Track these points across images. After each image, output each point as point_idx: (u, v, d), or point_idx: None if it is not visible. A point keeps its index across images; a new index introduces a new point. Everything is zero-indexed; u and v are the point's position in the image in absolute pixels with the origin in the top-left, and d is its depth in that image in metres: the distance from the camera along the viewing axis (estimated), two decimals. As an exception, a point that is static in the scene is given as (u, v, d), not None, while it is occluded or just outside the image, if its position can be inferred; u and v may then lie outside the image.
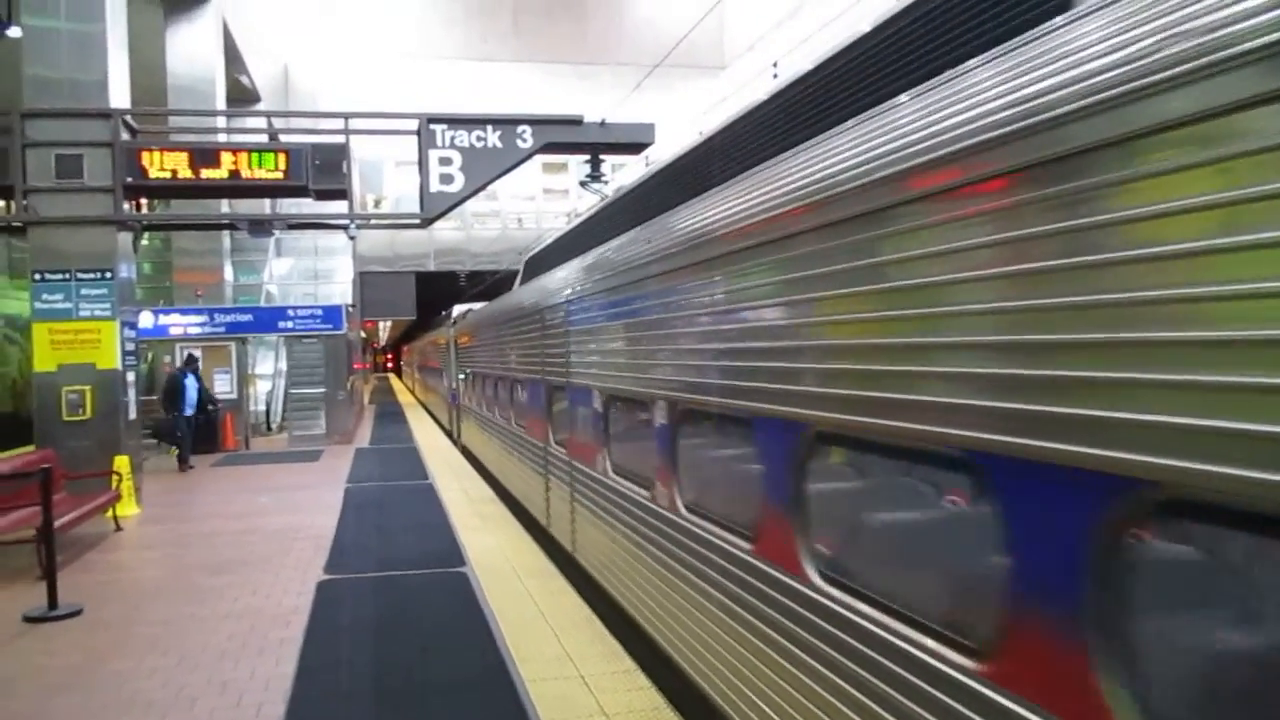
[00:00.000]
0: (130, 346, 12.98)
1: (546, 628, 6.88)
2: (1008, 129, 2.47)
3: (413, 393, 47.42)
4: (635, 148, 14.03)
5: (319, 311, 22.17)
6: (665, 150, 9.08)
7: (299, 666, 6.22)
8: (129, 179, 12.34)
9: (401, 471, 16.31)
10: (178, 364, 19.46)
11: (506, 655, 6.29)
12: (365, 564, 9.19)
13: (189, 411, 18.18)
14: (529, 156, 13.37)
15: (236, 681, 6.00)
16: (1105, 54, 2.17)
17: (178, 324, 21.03)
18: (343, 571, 8.94)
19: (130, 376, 12.88)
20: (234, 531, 11.14)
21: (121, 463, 12.16)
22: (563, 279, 8.74)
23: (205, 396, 19.31)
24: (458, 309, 22.86)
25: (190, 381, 18.34)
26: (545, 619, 7.10)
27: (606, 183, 14.70)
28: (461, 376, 19.10)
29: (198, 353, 20.04)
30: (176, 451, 17.88)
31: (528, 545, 9.83)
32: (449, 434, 22.94)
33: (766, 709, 4.04)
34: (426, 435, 23.55)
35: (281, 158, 12.74)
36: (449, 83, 34.15)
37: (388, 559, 9.35)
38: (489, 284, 29.66)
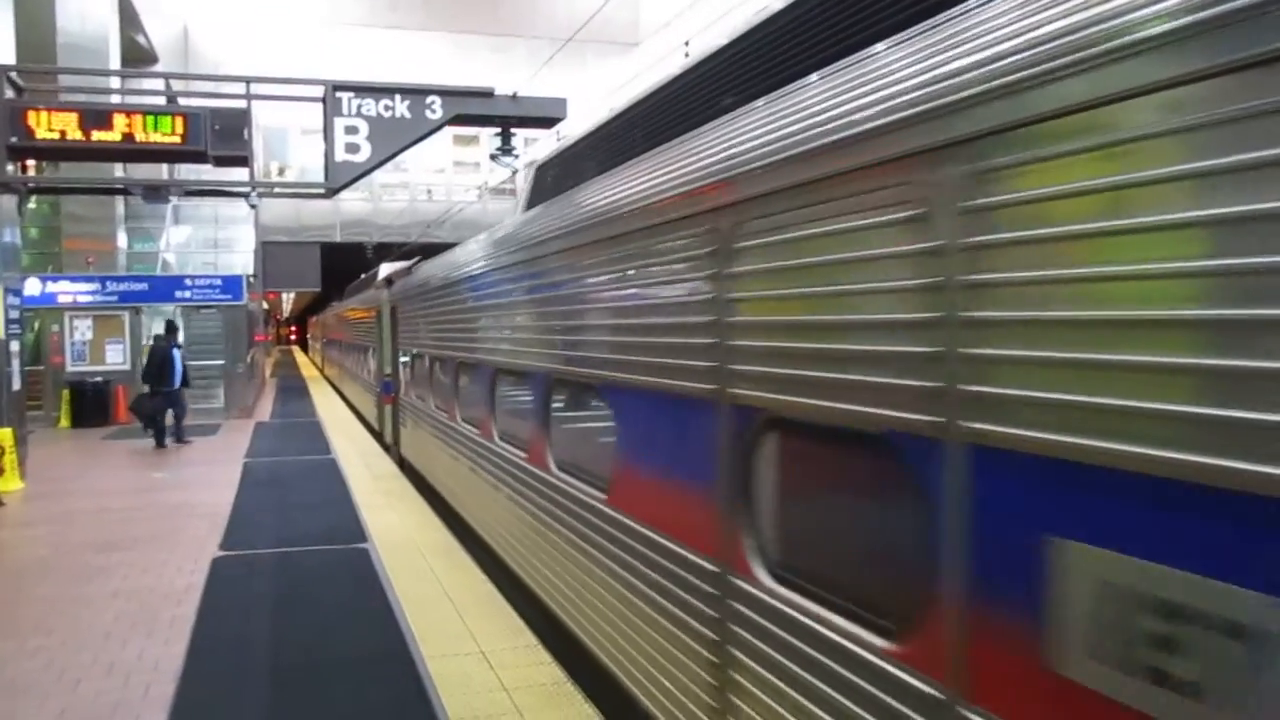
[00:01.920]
0: (14, 315, 12.41)
1: (449, 605, 6.83)
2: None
3: (322, 372, 41.48)
4: (547, 122, 13.93)
5: (218, 281, 21.54)
6: (577, 125, 8.96)
7: (190, 646, 6.06)
8: (13, 139, 11.77)
9: (303, 447, 15.97)
10: (154, 333, 18.07)
11: (407, 632, 6.23)
12: (263, 540, 9.00)
13: (176, 384, 16.58)
14: (438, 128, 13.17)
15: (124, 662, 5.82)
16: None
17: (67, 291, 20.19)
18: (239, 548, 8.73)
19: (14, 346, 12.34)
20: (125, 508, 10.78)
21: (4, 435, 11.66)
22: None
23: (188, 368, 17.34)
24: (390, 267, 17.76)
25: (175, 353, 16.78)
26: (448, 596, 7.05)
27: (517, 156, 14.58)
28: (405, 360, 13.48)
29: (178, 321, 18.84)
30: (152, 431, 16.31)
31: (431, 522, 9.74)
32: (377, 436, 17.05)
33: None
34: (329, 410, 23.09)
35: (179, 121, 12.30)
36: (357, 50, 33.31)
37: (287, 536, 9.16)
38: (397, 255, 28.74)
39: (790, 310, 3.12)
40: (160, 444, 16.17)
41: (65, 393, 19.80)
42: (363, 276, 26.08)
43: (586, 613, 5.20)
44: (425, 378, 11.44)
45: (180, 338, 17.80)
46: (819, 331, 2.96)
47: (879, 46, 2.91)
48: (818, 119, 2.98)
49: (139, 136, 12.12)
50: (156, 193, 14.49)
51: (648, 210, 4.25)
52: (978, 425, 2.30)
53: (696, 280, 3.79)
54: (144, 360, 17.45)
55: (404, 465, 13.45)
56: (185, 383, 16.99)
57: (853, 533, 3.10)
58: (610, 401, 4.85)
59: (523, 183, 8.31)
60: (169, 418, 16.47)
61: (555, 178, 7.03)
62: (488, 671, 5.52)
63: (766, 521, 3.45)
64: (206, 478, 12.90)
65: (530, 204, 7.46)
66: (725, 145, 3.63)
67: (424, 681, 5.37)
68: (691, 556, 3.88)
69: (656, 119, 5.18)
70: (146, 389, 16.47)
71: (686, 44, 11.33)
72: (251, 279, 24.24)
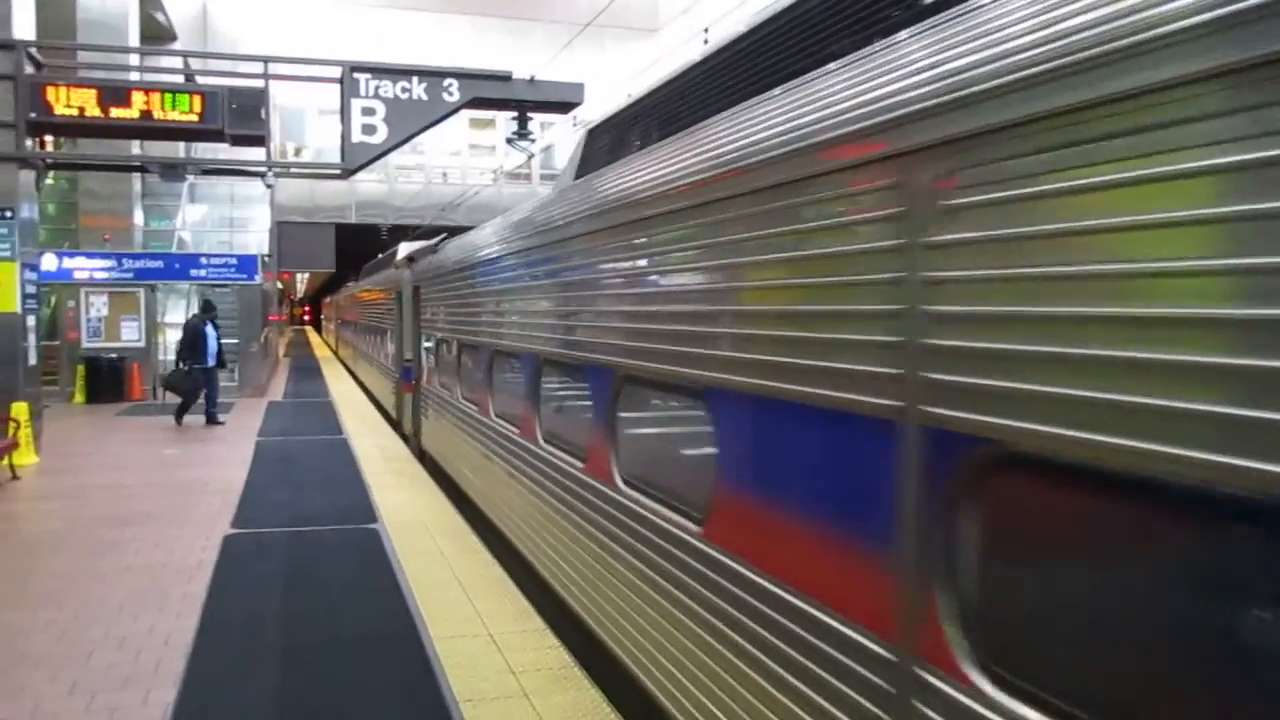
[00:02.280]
0: (31, 290, 12.49)
1: (458, 587, 6.87)
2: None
3: (335, 353, 40.15)
4: (563, 106, 13.93)
5: (234, 260, 21.58)
6: (594, 110, 8.91)
7: (201, 622, 6.11)
8: (32, 115, 11.83)
9: (315, 426, 16.04)
10: (193, 310, 17.91)
11: (416, 613, 6.26)
12: (274, 519, 9.05)
13: (211, 363, 16.29)
14: (455, 111, 13.18)
15: (135, 636, 5.87)
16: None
17: (83, 268, 20.25)
18: (251, 526, 8.79)
19: (30, 321, 12.41)
20: (138, 484, 10.85)
21: (20, 409, 11.75)
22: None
23: (223, 347, 16.97)
24: (410, 246, 16.61)
25: (209, 330, 16.41)
26: (457, 578, 7.09)
27: (534, 140, 14.57)
28: (428, 345, 12.47)
29: (212, 297, 18.55)
30: (179, 408, 16.13)
31: (441, 503, 9.78)
32: (395, 425, 16.07)
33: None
34: (342, 390, 23.17)
35: (197, 100, 12.34)
36: (375, 31, 33.28)
37: (298, 514, 9.21)
38: (413, 238, 28.68)
39: (1047, 294, 2.12)
40: (179, 420, 16.05)
41: (80, 368, 19.92)
42: (380, 256, 24.92)
43: (675, 676, 4.12)
44: (453, 365, 10.37)
45: (216, 313, 17.29)
46: (1129, 332, 1.93)
47: None
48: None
49: (157, 114, 12.16)
50: (173, 171, 14.53)
51: (784, 163, 3.20)
52: None
53: (871, 254, 2.73)
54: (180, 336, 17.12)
55: (424, 458, 12.62)
56: (220, 362, 16.68)
57: (1149, 630, 1.98)
58: (714, 409, 3.78)
59: (570, 152, 7.30)
60: (200, 397, 16.19)
61: (614, 142, 6.08)
62: (495, 654, 5.54)
63: (982, 597, 2.37)
64: (219, 455, 12.97)
65: (581, 172, 6.48)
66: (931, 63, 2.59)
67: (431, 662, 5.40)
68: (846, 630, 2.85)
69: (758, 60, 4.19)
70: (183, 365, 16.15)
71: (706, 30, 11.28)
72: (266, 258, 24.30)
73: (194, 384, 15.99)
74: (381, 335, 18.87)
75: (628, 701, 4.76)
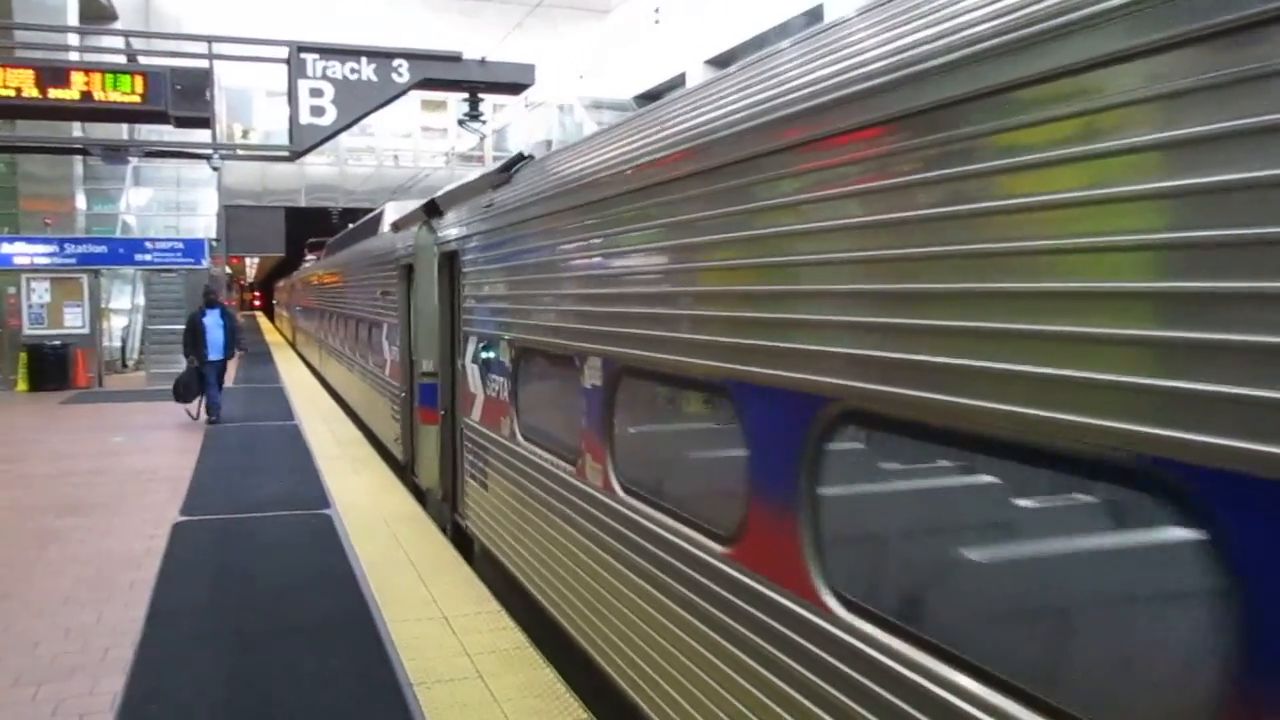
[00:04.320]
0: (-32, 275, 12.19)
1: (412, 570, 6.84)
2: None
3: (293, 345, 33.72)
4: (515, 88, 13.84)
5: (180, 245, 21.24)
6: (544, 91, 8.64)
7: (150, 610, 6.03)
8: (-33, 96, 11.50)
9: (267, 412, 15.84)
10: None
11: (369, 597, 6.23)
12: (225, 506, 8.95)
13: (214, 356, 14.56)
14: (404, 92, 13.02)
15: (82, 626, 5.78)
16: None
17: (23, 253, 19.83)
18: (201, 513, 8.68)
19: (-31, 307, 12.12)
20: (84, 472, 10.66)
21: (-41, 399, 11.48)
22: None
23: (234, 335, 15.12)
24: (400, 207, 12.61)
25: (211, 319, 14.66)
26: (411, 562, 7.06)
27: (485, 122, 14.46)
28: (486, 354, 6.83)
29: (217, 281, 17.38)
30: (189, 406, 14.58)
31: (395, 488, 9.72)
32: (400, 469, 10.48)
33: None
34: (294, 376, 22.90)
35: (139, 80, 12.07)
36: (323, 11, 32.75)
37: (249, 501, 9.11)
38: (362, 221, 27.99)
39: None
40: (209, 416, 14.60)
41: (23, 356, 19.50)
42: (350, 227, 20.14)
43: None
44: (555, 395, 5.42)
45: (218, 297, 15.74)
46: None
47: None
48: None
49: (98, 95, 11.87)
50: (116, 153, 14.25)
51: None
52: None
53: None
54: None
55: (468, 547, 7.52)
56: (230, 352, 15.03)
57: None
58: None
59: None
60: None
61: None
62: (450, 636, 5.54)
63: None
64: (168, 443, 12.78)
65: None
66: None
67: (385, 646, 5.39)
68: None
69: None
70: (194, 363, 14.49)
71: (657, 11, 11.25)
72: (214, 243, 23.94)
73: (187, 379, 14.38)
74: (368, 331, 13.28)
75: (584, 683, 4.78)
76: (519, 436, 5.97)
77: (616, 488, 4.29)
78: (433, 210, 8.78)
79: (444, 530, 8.12)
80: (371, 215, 15.93)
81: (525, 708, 4.58)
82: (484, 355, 6.80)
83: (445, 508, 8.33)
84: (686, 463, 4.14)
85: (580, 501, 4.73)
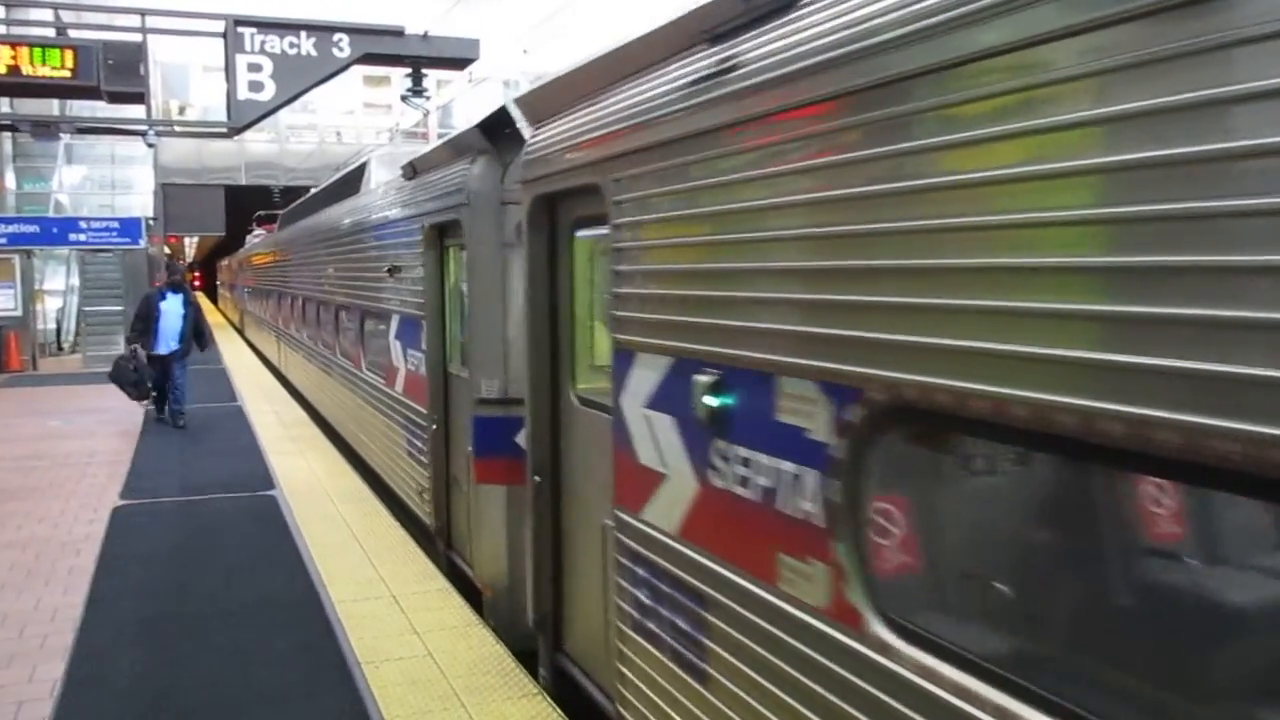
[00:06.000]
0: (-107, 256, 11.80)
1: (359, 550, 6.80)
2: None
3: (240, 331, 30.58)
4: (459, 63, 13.66)
5: (115, 224, 20.79)
6: (488, 67, 8.25)
7: (90, 595, 5.93)
8: (-114, 69, 11.08)
9: (209, 394, 15.54)
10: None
11: (316, 578, 6.18)
12: (166, 489, 8.80)
13: (163, 349, 12.26)
14: (345, 67, 12.78)
15: (19, 613, 5.67)
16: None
17: (-49, 233, 19.26)
18: (141, 497, 8.53)
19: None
20: (18, 457, 10.42)
21: (-114, 383, 11.14)
22: None
23: (195, 327, 12.78)
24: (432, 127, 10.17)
25: (170, 304, 12.45)
26: (357, 541, 7.01)
27: (429, 98, 14.27)
28: (647, 370, 3.41)
29: (154, 261, 16.09)
30: (150, 403, 12.86)
31: (341, 469, 9.63)
32: (428, 537, 7.12)
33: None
34: (237, 358, 22.52)
35: (69, 54, 11.69)
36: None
37: (191, 484, 8.98)
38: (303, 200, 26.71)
39: None
40: (160, 413, 12.85)
41: (-48, 339, 18.98)
42: (319, 187, 16.32)
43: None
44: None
45: (182, 278, 13.72)
46: None
47: None
48: None
49: (25, 69, 11.48)
50: (46, 129, 13.86)
51: None
52: None
53: None
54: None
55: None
56: (187, 346, 12.56)
57: None
58: None
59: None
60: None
61: None
62: (398, 614, 5.52)
63: None
64: (106, 426, 12.52)
65: None
66: None
67: (333, 625, 5.35)
68: None
69: None
70: (132, 349, 12.32)
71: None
72: (151, 222, 23.39)
73: (138, 376, 11.99)
74: (358, 323, 9.81)
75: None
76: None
77: None
78: (498, 129, 5.66)
79: (534, 676, 4.78)
80: (349, 170, 13.03)
81: (475, 684, 4.59)
82: (704, 400, 2.99)
83: (548, 638, 4.79)
84: None
85: None
